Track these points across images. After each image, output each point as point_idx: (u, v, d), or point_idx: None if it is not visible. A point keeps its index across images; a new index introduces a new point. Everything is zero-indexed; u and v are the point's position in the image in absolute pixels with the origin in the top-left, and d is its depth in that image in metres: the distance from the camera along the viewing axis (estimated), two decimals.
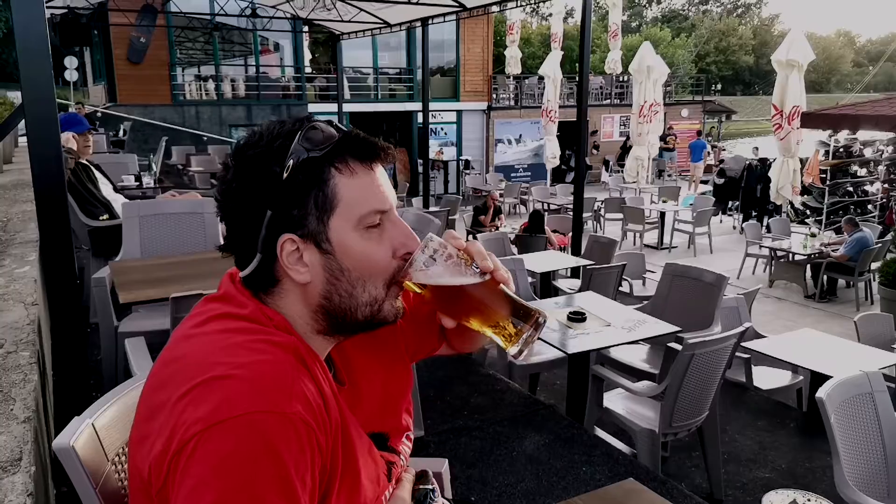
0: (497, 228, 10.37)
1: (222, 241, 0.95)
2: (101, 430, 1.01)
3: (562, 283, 6.69)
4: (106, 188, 4.51)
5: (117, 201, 4.31)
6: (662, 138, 21.11)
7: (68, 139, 4.23)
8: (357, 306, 0.91)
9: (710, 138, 26.44)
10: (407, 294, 0.98)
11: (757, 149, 16.29)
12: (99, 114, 15.75)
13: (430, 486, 1.07)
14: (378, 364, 1.04)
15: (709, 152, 23.32)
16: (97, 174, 4.50)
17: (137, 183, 5.68)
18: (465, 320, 0.93)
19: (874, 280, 8.88)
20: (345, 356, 1.01)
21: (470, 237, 10.50)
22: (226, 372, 0.78)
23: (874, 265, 8.91)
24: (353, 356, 1.01)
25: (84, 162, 4.41)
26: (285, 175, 0.86)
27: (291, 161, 0.86)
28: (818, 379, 3.95)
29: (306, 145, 0.87)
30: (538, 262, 6.30)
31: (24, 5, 2.35)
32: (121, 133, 13.38)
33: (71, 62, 16.53)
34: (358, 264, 0.90)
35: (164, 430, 0.77)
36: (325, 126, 0.90)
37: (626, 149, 20.46)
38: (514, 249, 7.99)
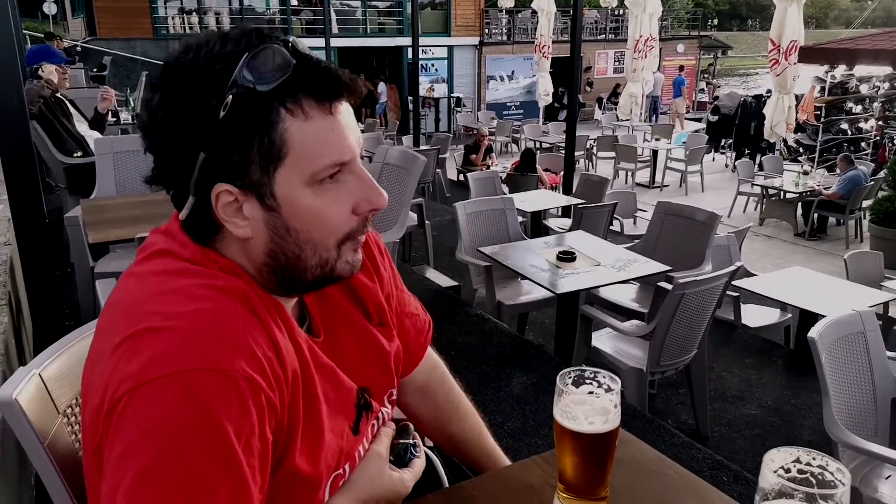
0: (488, 167, 10.21)
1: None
2: (49, 380, 0.93)
3: (552, 223, 6.63)
4: (81, 125, 4.35)
5: (92, 137, 4.16)
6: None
7: (51, 72, 4.08)
8: (306, 269, 0.80)
9: (706, 75, 26.01)
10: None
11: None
12: (78, 48, 15.23)
13: (410, 441, 1.00)
14: (362, 321, 0.96)
15: (702, 89, 23.02)
16: (71, 109, 4.33)
17: (115, 119, 5.49)
18: (565, 452, 0.90)
19: (864, 218, 8.86)
20: (327, 305, 0.92)
21: (461, 177, 10.37)
22: (159, 323, 0.69)
23: (865, 203, 8.88)
24: (335, 306, 0.93)
25: (59, 96, 4.24)
26: (223, 113, 0.71)
27: (231, 95, 0.71)
28: (807, 317, 3.95)
29: (251, 76, 0.71)
30: (529, 201, 6.22)
31: None
32: (106, 68, 12.94)
33: None
34: (308, 224, 0.77)
35: (101, 382, 0.70)
36: (277, 49, 0.73)
37: (615, 93, 20.14)
38: (505, 188, 7.88)
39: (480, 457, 1.14)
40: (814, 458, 0.71)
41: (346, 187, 0.79)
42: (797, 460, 0.72)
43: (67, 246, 3.90)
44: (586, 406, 0.89)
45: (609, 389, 0.90)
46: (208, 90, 0.72)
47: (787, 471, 0.72)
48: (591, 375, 0.91)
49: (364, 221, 0.82)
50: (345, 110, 0.78)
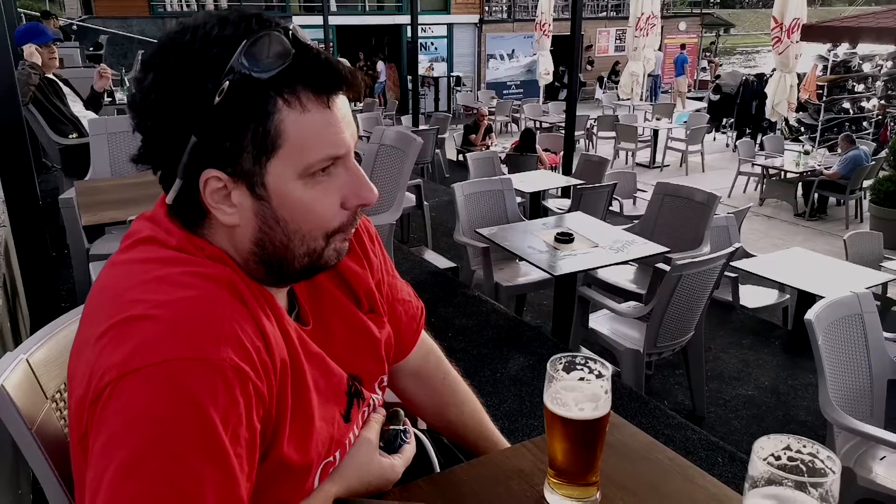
0: (488, 147, 10.16)
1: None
2: (37, 366, 0.92)
3: (552, 203, 6.60)
4: (76, 105, 4.30)
5: (87, 118, 4.12)
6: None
7: (32, 53, 4.00)
8: (294, 258, 0.79)
9: (708, 54, 25.78)
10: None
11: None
12: (74, 27, 15.08)
13: (400, 427, 0.99)
14: (351, 309, 0.95)
15: (704, 68, 22.83)
16: (65, 89, 4.28)
17: (110, 99, 5.44)
18: (555, 438, 0.90)
19: (865, 198, 8.83)
20: (317, 293, 0.91)
21: (460, 157, 10.33)
22: (144, 311, 0.68)
23: (866, 183, 8.84)
24: (325, 294, 0.92)
25: (50, 76, 4.19)
26: (218, 98, 0.70)
27: (228, 81, 0.70)
28: (805, 298, 3.95)
29: (249, 63, 0.70)
30: (528, 181, 6.19)
31: None
32: (102, 47, 12.82)
33: None
34: (297, 216, 0.77)
35: (86, 371, 0.69)
36: (277, 37, 0.72)
37: (615, 70, 19.97)
38: (505, 169, 7.84)
39: (480, 441, 1.14)
40: (804, 446, 0.71)
41: (337, 181, 0.78)
42: (787, 448, 0.71)
43: (64, 227, 3.90)
44: (577, 392, 0.88)
45: (600, 375, 0.89)
46: (204, 74, 0.71)
47: (778, 458, 0.72)
48: (583, 361, 0.91)
49: (353, 215, 0.81)
50: (342, 104, 0.77)
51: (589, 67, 20.95)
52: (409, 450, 0.99)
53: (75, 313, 1.02)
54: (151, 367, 0.66)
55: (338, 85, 0.75)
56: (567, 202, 6.24)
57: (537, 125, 13.50)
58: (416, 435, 1.05)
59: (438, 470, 1.06)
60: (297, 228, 0.77)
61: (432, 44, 19.53)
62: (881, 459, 2.33)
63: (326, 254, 0.81)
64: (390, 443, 0.97)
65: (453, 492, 0.95)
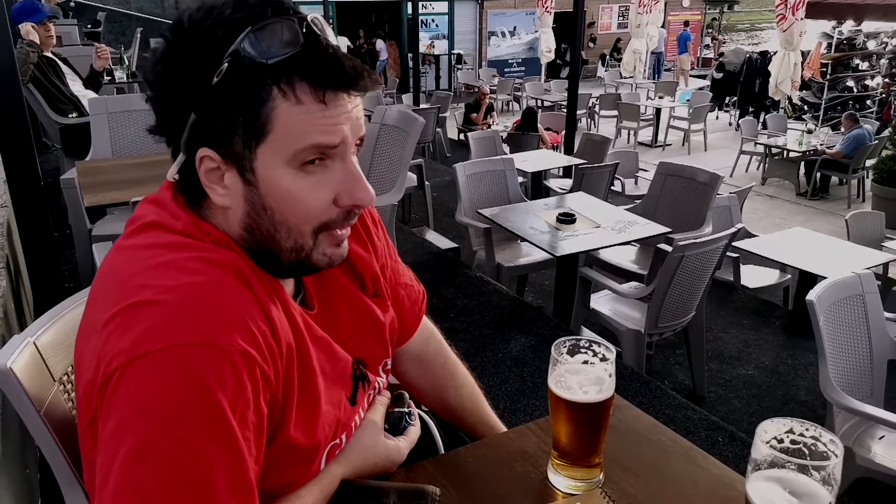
0: (489, 126, 10.11)
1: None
2: (44, 348, 0.93)
3: (553, 183, 6.59)
4: (75, 84, 4.27)
5: (86, 97, 4.10)
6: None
7: (28, 31, 3.97)
8: (281, 250, 0.79)
9: (711, 31, 25.55)
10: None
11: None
12: (72, 3, 14.94)
13: (405, 409, 1.00)
14: (356, 293, 0.95)
15: (707, 45, 22.63)
16: (65, 68, 4.25)
17: (109, 77, 5.40)
18: (559, 420, 0.92)
19: (867, 177, 8.80)
20: (322, 277, 0.91)
21: (461, 136, 10.27)
22: (151, 297, 0.69)
23: (869, 162, 8.80)
24: (330, 278, 0.92)
25: (49, 55, 4.16)
26: (216, 79, 0.70)
27: (227, 63, 0.70)
28: (806, 278, 3.96)
29: (251, 48, 0.70)
30: (530, 161, 6.17)
31: None
32: (100, 24, 12.70)
33: None
34: (283, 206, 0.76)
35: (93, 357, 0.69)
36: (288, 26, 0.71)
37: (616, 48, 19.78)
38: (506, 148, 7.81)
39: (477, 425, 1.15)
40: (807, 430, 0.72)
41: (331, 175, 0.77)
42: (790, 431, 0.72)
43: (65, 207, 3.90)
44: (581, 375, 0.89)
45: (604, 359, 0.90)
46: (207, 53, 0.71)
47: (780, 441, 0.72)
48: (587, 345, 0.91)
49: (346, 215, 0.80)
50: (346, 101, 0.75)
51: (591, 45, 20.77)
52: (414, 432, 1.00)
53: (80, 296, 1.02)
54: (159, 353, 0.66)
55: (338, 82, 0.73)
56: (568, 182, 6.22)
57: (539, 104, 13.41)
58: (420, 417, 1.06)
59: (443, 451, 1.07)
60: (283, 219, 0.77)
61: (433, 21, 19.34)
62: (880, 439, 2.35)
63: (315, 256, 0.80)
64: (395, 425, 0.98)
65: (458, 473, 0.96)
